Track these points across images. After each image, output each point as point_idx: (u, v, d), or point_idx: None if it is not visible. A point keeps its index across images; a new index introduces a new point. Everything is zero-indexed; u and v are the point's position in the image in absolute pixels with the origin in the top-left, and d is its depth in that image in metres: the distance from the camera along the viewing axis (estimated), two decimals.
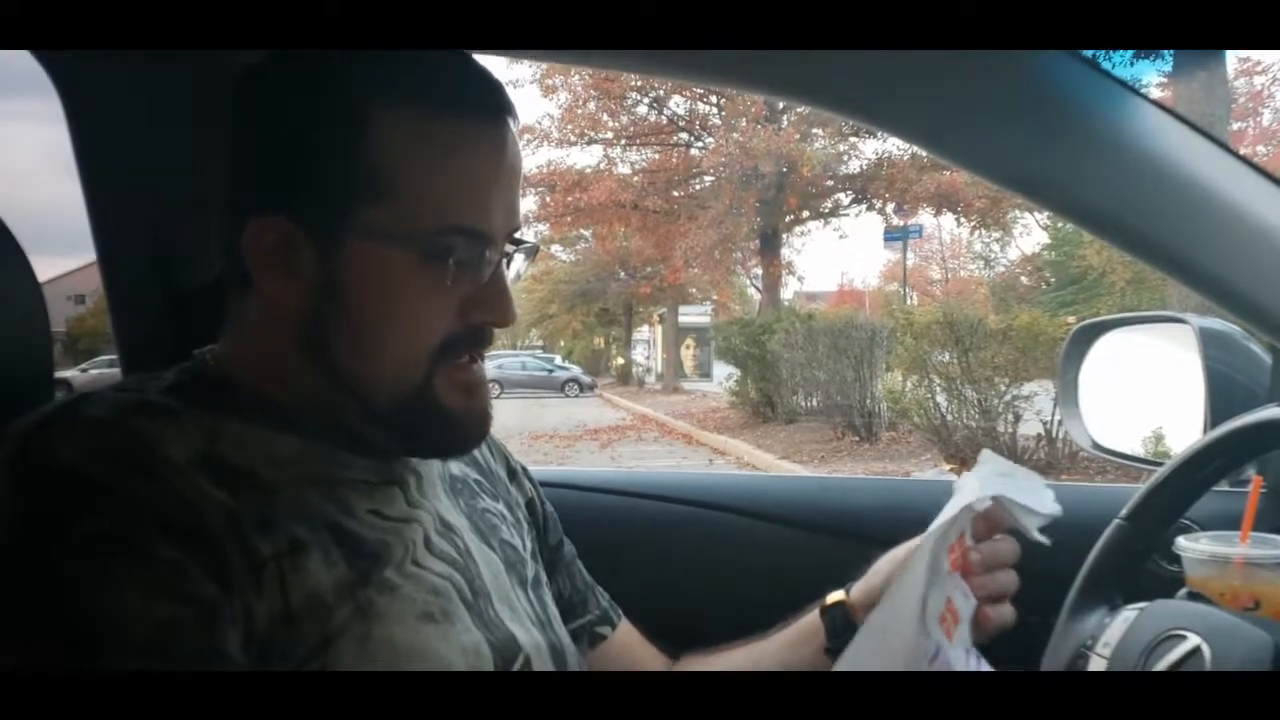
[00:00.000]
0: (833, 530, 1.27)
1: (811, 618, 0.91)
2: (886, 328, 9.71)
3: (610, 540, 1.12)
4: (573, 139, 17.38)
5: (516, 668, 0.73)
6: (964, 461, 7.02)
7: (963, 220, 17.50)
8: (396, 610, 0.67)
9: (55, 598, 0.57)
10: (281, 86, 0.71)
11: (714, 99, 17.20)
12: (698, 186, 17.57)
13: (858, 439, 9.48)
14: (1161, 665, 0.77)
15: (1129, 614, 0.86)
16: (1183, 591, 0.87)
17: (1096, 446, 1.36)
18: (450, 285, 0.69)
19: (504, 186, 0.72)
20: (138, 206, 1.09)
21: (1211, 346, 1.18)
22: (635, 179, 17.75)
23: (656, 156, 18.09)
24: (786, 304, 17.61)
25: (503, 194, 0.72)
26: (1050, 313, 12.46)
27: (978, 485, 0.75)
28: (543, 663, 0.76)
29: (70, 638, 0.56)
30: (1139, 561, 0.93)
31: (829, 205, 18.00)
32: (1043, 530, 0.78)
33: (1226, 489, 1.12)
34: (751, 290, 24.71)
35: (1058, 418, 6.50)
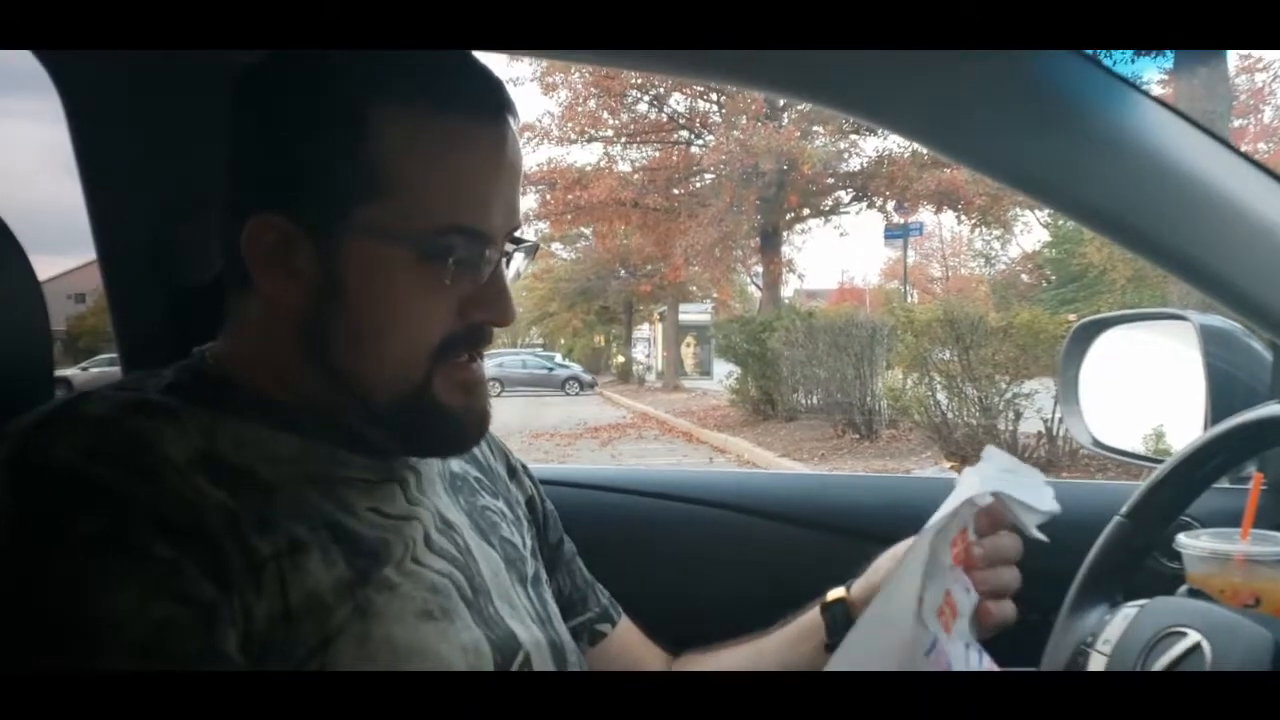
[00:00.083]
0: (833, 527, 1.27)
1: (812, 615, 0.91)
2: (887, 325, 9.71)
3: (610, 538, 1.12)
4: (573, 136, 17.37)
5: (516, 665, 0.73)
6: (964, 459, 7.02)
7: (963, 218, 17.49)
8: (396, 609, 0.67)
9: (53, 597, 0.57)
10: (281, 85, 0.70)
11: (714, 96, 17.19)
12: (698, 184, 17.56)
13: (858, 437, 9.48)
14: (1162, 662, 0.77)
15: (1129, 611, 0.86)
16: (1183, 588, 0.87)
17: (1097, 444, 1.36)
18: (450, 284, 0.69)
19: (504, 185, 0.71)
20: (137, 205, 1.09)
21: (1212, 343, 1.18)
22: (636, 177, 17.74)
23: (657, 154, 18.08)
24: (787, 302, 17.58)
25: (503, 193, 0.71)
26: (1051, 310, 12.46)
27: (979, 481, 0.75)
28: (542, 660, 0.76)
29: (68, 637, 0.56)
30: (1139, 559, 0.93)
31: (829, 203, 17.99)
32: (1041, 528, 0.78)
33: (1227, 486, 1.12)
34: (752, 288, 24.69)
35: (1058, 415, 6.50)
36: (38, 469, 0.60)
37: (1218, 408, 1.12)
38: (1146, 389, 1.43)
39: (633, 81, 16.77)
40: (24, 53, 0.91)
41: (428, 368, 0.71)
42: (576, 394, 22.75)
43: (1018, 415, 7.54)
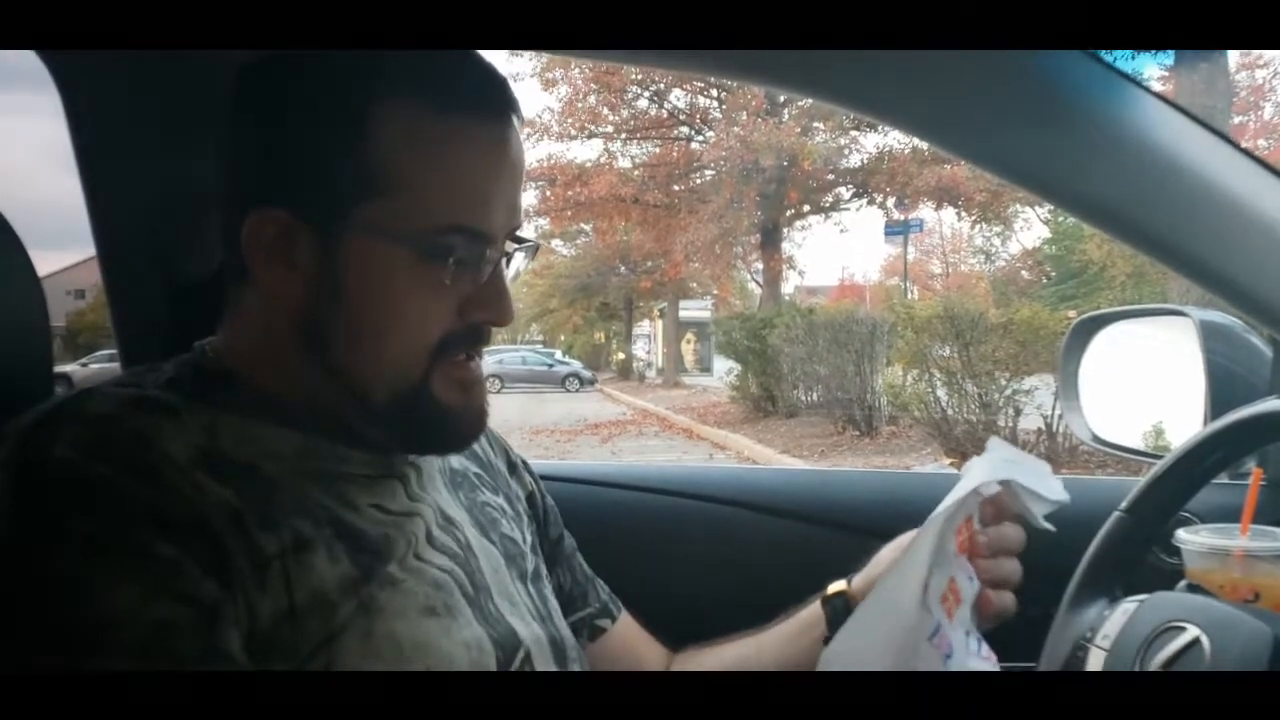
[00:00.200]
0: (833, 523, 1.27)
1: (812, 608, 0.91)
2: (887, 322, 9.70)
3: (610, 533, 1.12)
4: (573, 133, 17.35)
5: (517, 661, 0.73)
6: (964, 455, 7.02)
7: (964, 214, 17.49)
8: (399, 605, 0.67)
9: (54, 596, 0.57)
10: (286, 80, 0.70)
11: (715, 92, 17.18)
12: (698, 180, 17.55)
13: (858, 433, 9.48)
14: (1161, 657, 0.77)
15: (1129, 606, 0.86)
16: (1182, 584, 0.87)
17: (1097, 440, 1.36)
18: (449, 284, 0.69)
19: (505, 185, 0.71)
20: (137, 201, 1.09)
21: (1212, 339, 1.18)
22: (636, 173, 17.73)
23: (657, 150, 18.07)
24: (787, 298, 17.60)
25: (504, 193, 0.71)
26: (1051, 307, 12.46)
27: (987, 469, 0.76)
28: (543, 656, 0.76)
29: (68, 637, 0.56)
30: (1139, 554, 0.93)
31: (830, 199, 17.98)
32: (1048, 518, 0.79)
33: (1226, 482, 1.12)
34: (752, 285, 24.70)
35: (1058, 412, 6.50)
36: (38, 468, 0.60)
37: (1217, 403, 1.12)
38: (1146, 385, 1.43)
39: (633, 77, 16.76)
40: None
41: (426, 366, 0.71)
42: (577, 390, 22.76)
43: (1018, 411, 7.54)
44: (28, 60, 0.98)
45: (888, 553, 0.89)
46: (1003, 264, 30.96)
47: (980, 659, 0.76)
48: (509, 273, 0.75)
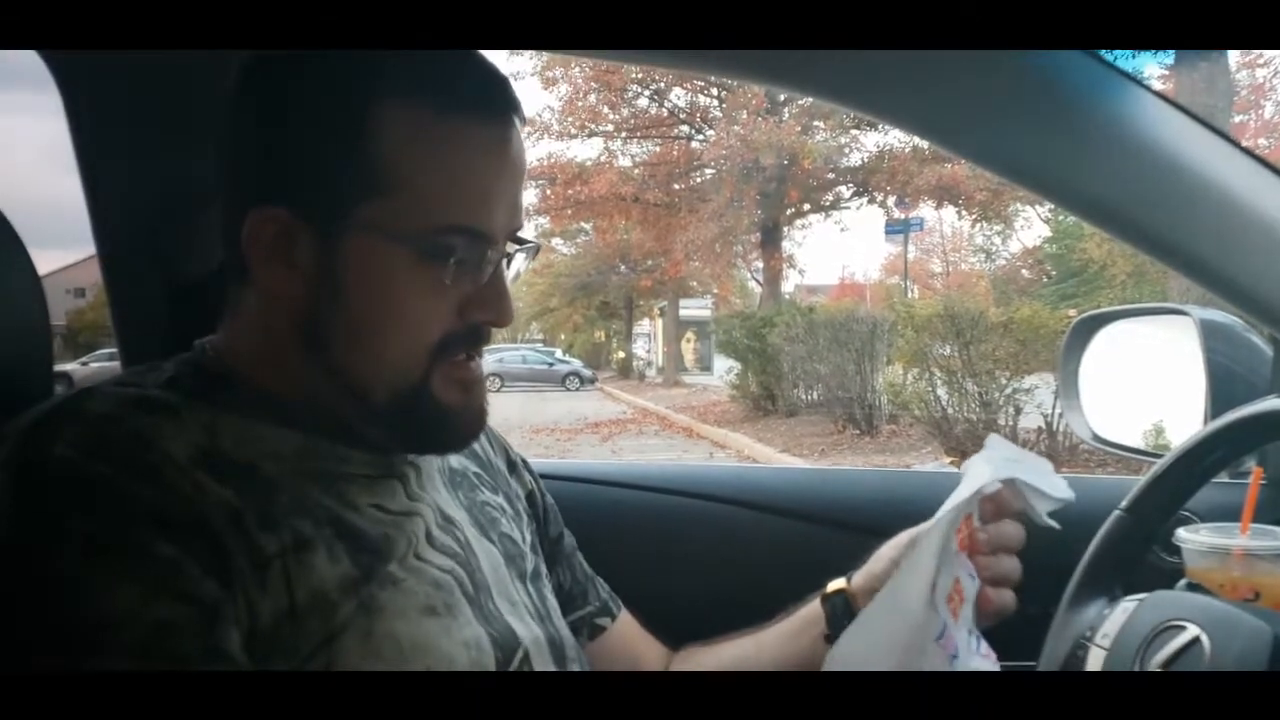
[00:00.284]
0: (833, 522, 1.27)
1: (812, 606, 0.91)
2: (887, 321, 9.70)
3: (610, 532, 1.12)
4: (573, 131, 17.35)
5: (516, 661, 0.73)
6: (964, 454, 7.02)
7: (964, 213, 17.49)
8: (400, 604, 0.67)
9: (54, 596, 0.57)
10: (287, 79, 0.70)
11: (715, 91, 17.17)
12: (698, 179, 17.55)
13: (858, 432, 9.48)
14: (1161, 656, 0.77)
15: (1128, 605, 0.86)
16: (1182, 583, 0.87)
17: (1097, 438, 1.36)
18: (450, 284, 0.69)
19: (507, 186, 0.71)
20: (137, 201, 1.09)
21: (1212, 338, 1.18)
22: (636, 172, 17.72)
23: (657, 149, 18.07)
24: (787, 297, 17.61)
25: (505, 194, 0.71)
26: (1051, 306, 12.44)
27: (989, 470, 0.76)
28: (542, 656, 0.76)
29: (68, 637, 0.56)
30: (1139, 553, 0.93)
31: (830, 198, 17.98)
32: (1052, 515, 0.79)
33: (1226, 481, 1.13)
34: (752, 284, 24.70)
35: (1058, 410, 6.50)
36: (38, 468, 0.60)
37: (1217, 402, 1.12)
38: (1146, 384, 1.43)
39: (633, 76, 16.76)
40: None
41: (426, 366, 0.70)
42: (577, 389, 22.77)
43: (1018, 410, 7.54)
44: (29, 60, 0.98)
45: (887, 550, 0.89)
46: (1003, 263, 30.96)
47: (980, 657, 0.76)
48: (509, 274, 0.75)
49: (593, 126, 17.51)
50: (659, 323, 25.86)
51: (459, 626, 0.70)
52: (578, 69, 16.68)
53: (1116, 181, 0.86)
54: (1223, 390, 1.14)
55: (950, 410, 7.93)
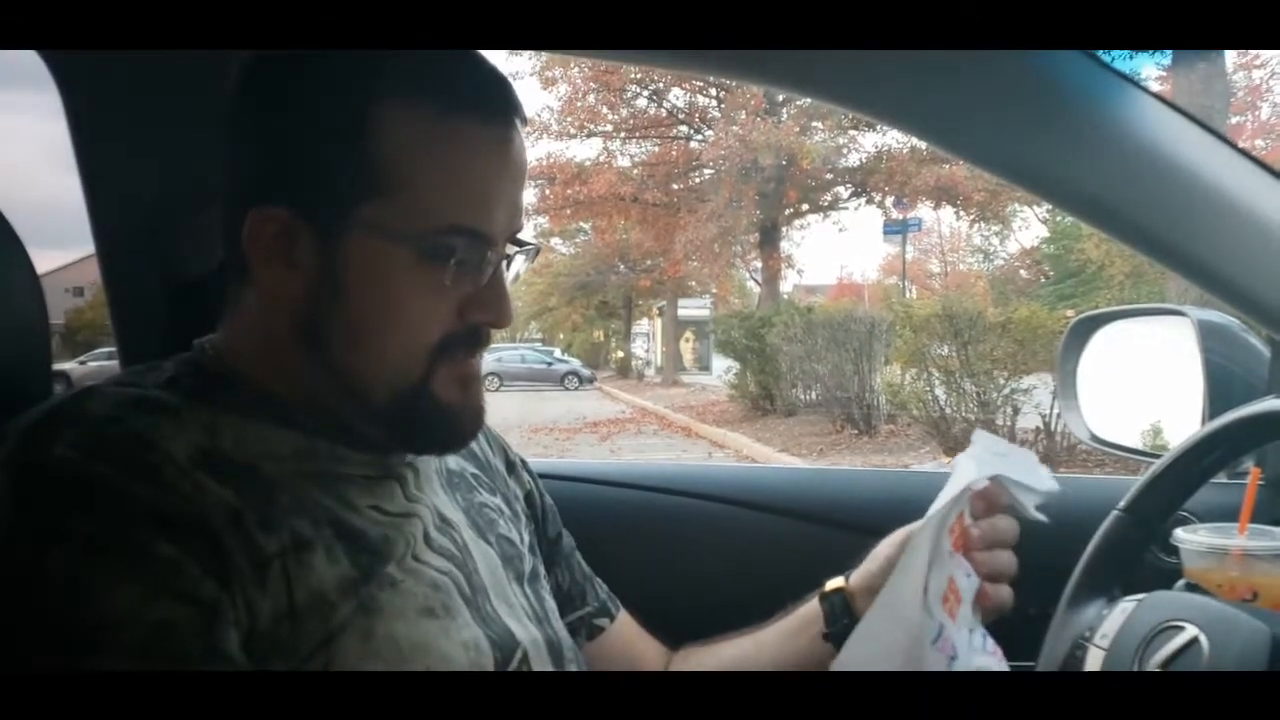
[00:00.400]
0: (831, 521, 1.27)
1: (810, 605, 0.91)
2: (885, 321, 9.70)
3: (609, 532, 1.13)
4: (572, 131, 17.34)
5: (514, 662, 0.73)
6: None
7: (962, 214, 17.48)
8: (398, 605, 0.67)
9: (54, 597, 0.57)
10: (288, 78, 0.70)
11: (714, 92, 17.17)
12: (697, 180, 17.54)
13: (857, 432, 9.48)
14: (1159, 656, 0.77)
15: (1127, 605, 0.86)
16: (1181, 583, 0.88)
17: (1095, 439, 1.36)
18: (449, 285, 0.69)
19: (507, 187, 0.71)
20: (136, 200, 1.09)
21: (1210, 339, 1.18)
22: (635, 172, 17.72)
23: (656, 149, 18.06)
24: (786, 297, 17.58)
25: (506, 195, 0.71)
26: (1049, 306, 12.45)
27: (975, 466, 0.76)
28: (540, 657, 0.76)
29: (68, 637, 0.56)
30: (1137, 553, 0.93)
31: (828, 198, 17.98)
32: (1040, 508, 0.79)
33: (1224, 481, 1.13)
34: (751, 284, 24.68)
35: (1056, 411, 6.51)
36: (38, 468, 0.60)
37: (1215, 403, 1.13)
38: (1144, 384, 1.43)
39: (632, 76, 16.75)
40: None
41: (426, 367, 0.70)
42: (575, 389, 22.76)
43: (1016, 410, 7.54)
44: (29, 60, 0.98)
45: (884, 548, 0.89)
46: (1001, 263, 30.98)
47: (986, 654, 0.76)
48: (509, 275, 0.75)
49: (592, 126, 17.50)
50: (658, 322, 25.87)
51: (457, 628, 0.70)
52: (577, 69, 16.67)
53: (1114, 182, 0.87)
54: (1220, 391, 1.14)
55: (948, 410, 7.94)
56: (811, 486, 1.43)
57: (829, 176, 17.22)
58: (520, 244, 0.75)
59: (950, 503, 0.74)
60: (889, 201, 17.57)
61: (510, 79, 0.73)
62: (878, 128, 14.88)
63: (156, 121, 1.06)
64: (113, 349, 1.14)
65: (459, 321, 0.71)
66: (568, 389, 22.70)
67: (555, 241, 24.00)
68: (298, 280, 0.69)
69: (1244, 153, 0.86)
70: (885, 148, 16.40)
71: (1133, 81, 0.85)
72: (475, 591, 0.74)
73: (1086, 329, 1.40)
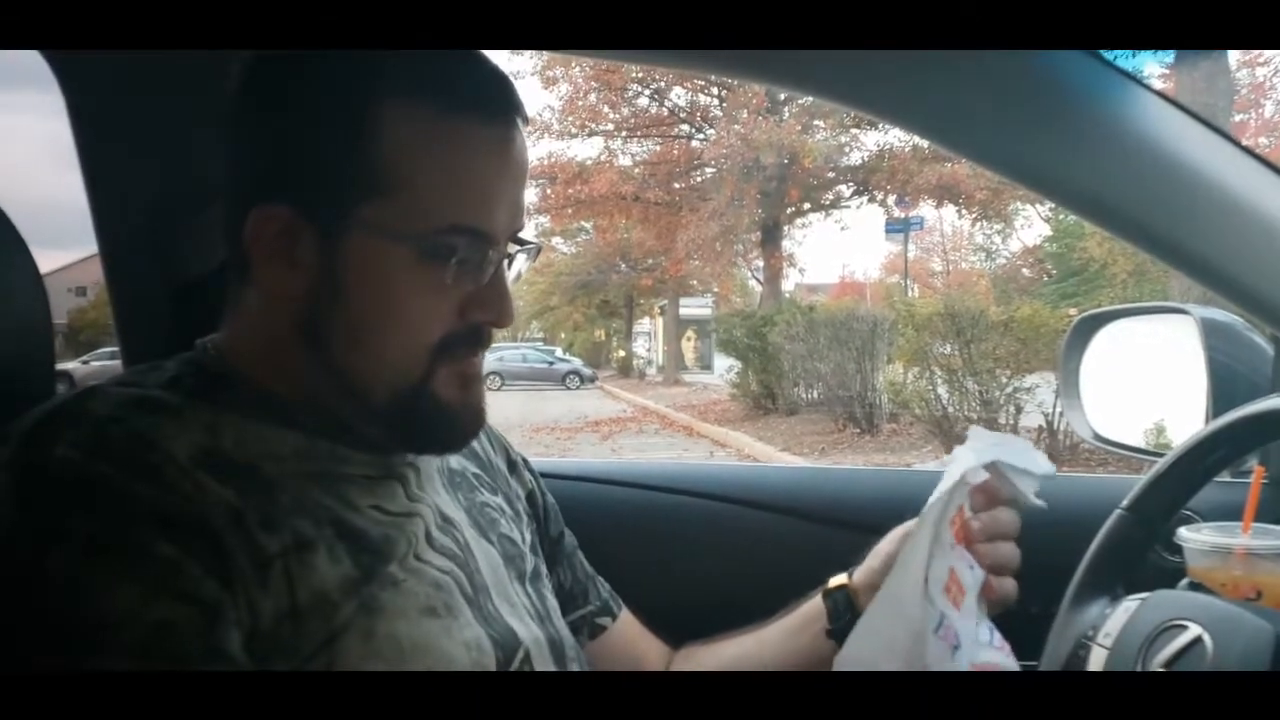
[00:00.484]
0: (833, 520, 1.27)
1: (814, 602, 0.91)
2: (888, 320, 9.70)
3: (611, 531, 1.13)
4: (573, 131, 17.35)
5: (517, 662, 0.73)
6: None
7: (964, 212, 17.48)
8: (400, 605, 0.67)
9: (55, 597, 0.57)
10: (290, 77, 0.70)
11: (715, 91, 17.17)
12: (699, 178, 17.55)
13: (859, 431, 9.48)
14: (1163, 655, 0.77)
15: (1130, 604, 0.86)
16: (1184, 582, 0.87)
17: (1098, 438, 1.36)
18: (451, 284, 0.69)
19: (509, 187, 0.71)
20: (139, 199, 1.09)
21: (1213, 337, 1.18)
22: (636, 171, 17.72)
23: (658, 148, 18.06)
24: (787, 296, 17.59)
25: (507, 194, 0.71)
26: (1052, 304, 12.45)
27: (971, 456, 0.76)
28: (542, 657, 0.76)
29: (68, 637, 0.56)
30: (1140, 552, 0.93)
31: (830, 197, 17.98)
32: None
33: (1228, 480, 1.12)
34: (753, 282, 24.70)
35: (1059, 409, 6.50)
36: (40, 469, 0.60)
37: (1219, 401, 1.12)
38: (1147, 383, 1.43)
39: (633, 75, 16.76)
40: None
41: (427, 366, 0.70)
42: (577, 388, 22.77)
43: (1019, 409, 7.54)
44: (31, 59, 0.98)
45: (886, 545, 0.89)
46: (1003, 262, 30.95)
47: (994, 649, 0.76)
48: (510, 274, 0.75)
49: (593, 126, 17.50)
50: (659, 321, 25.88)
51: (459, 627, 0.70)
52: (578, 68, 16.67)
53: (1117, 180, 0.86)
54: (1224, 389, 1.14)
55: (951, 409, 7.94)
56: (813, 485, 1.42)
57: (831, 175, 17.22)
58: (522, 243, 0.75)
59: (948, 493, 0.75)
60: (891, 200, 17.57)
61: (511, 78, 0.73)
62: (880, 126, 14.88)
63: (159, 121, 1.06)
64: (115, 348, 1.14)
65: (460, 321, 0.71)
66: (569, 388, 22.71)
67: (557, 241, 24.01)
68: (299, 279, 0.69)
69: (1247, 150, 0.86)
70: (887, 146, 16.42)
71: (1135, 79, 0.84)
72: (477, 591, 0.74)
73: (1089, 327, 1.40)
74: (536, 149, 17.06)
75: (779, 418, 11.13)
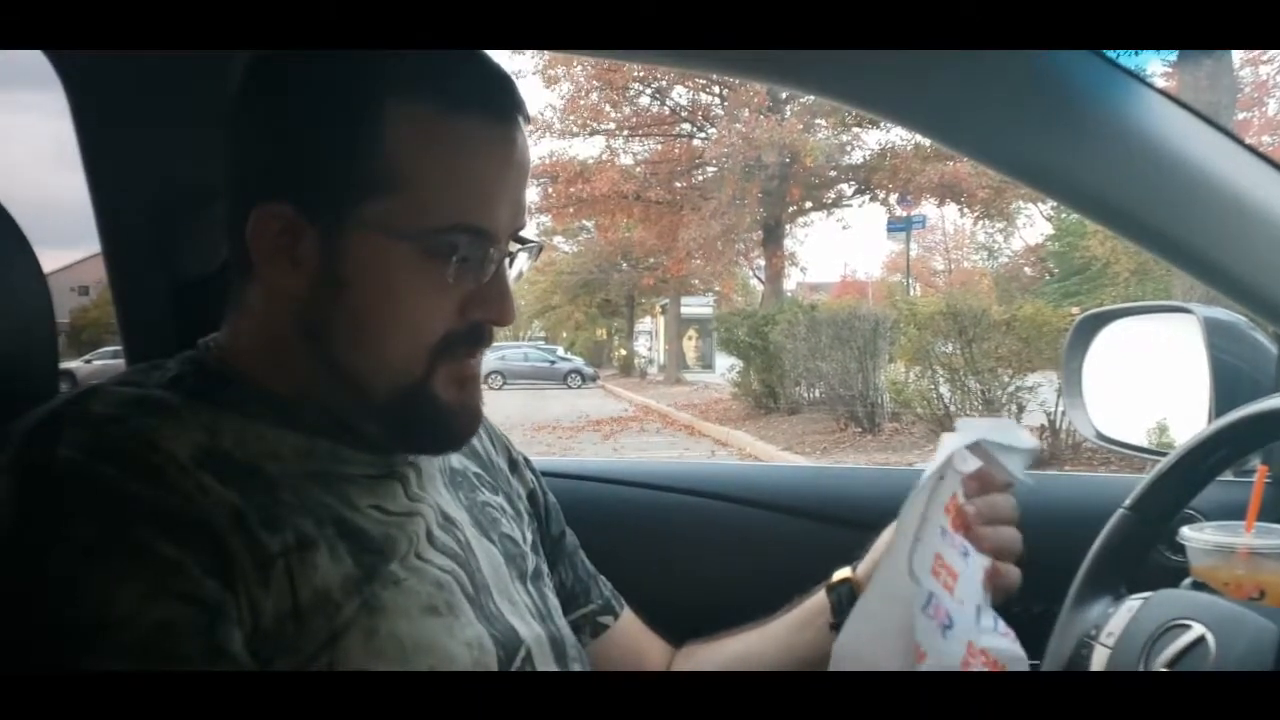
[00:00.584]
0: (835, 519, 1.27)
1: (817, 597, 0.91)
2: (889, 319, 9.70)
3: (613, 530, 1.12)
4: (575, 130, 17.35)
5: (518, 661, 0.73)
6: None
7: (966, 211, 17.48)
8: (402, 604, 0.67)
9: (56, 597, 0.57)
10: (292, 76, 0.70)
11: (717, 90, 17.17)
12: (700, 177, 17.55)
13: (860, 430, 9.48)
14: (1166, 655, 0.77)
15: (1133, 604, 0.86)
16: (1187, 581, 0.87)
17: (1101, 437, 1.36)
18: (452, 283, 0.69)
19: (511, 186, 0.71)
20: (141, 199, 1.09)
21: (1216, 336, 1.18)
22: (638, 170, 17.72)
23: (659, 147, 18.07)
24: (789, 295, 17.61)
25: (509, 193, 0.71)
26: (1054, 303, 12.44)
27: (956, 438, 0.77)
28: (543, 655, 0.76)
29: (70, 637, 0.56)
30: (1143, 551, 0.93)
31: (832, 196, 17.98)
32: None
33: (1231, 479, 1.12)
34: (754, 281, 24.68)
35: (1061, 409, 6.50)
36: (41, 469, 0.60)
37: (1222, 401, 1.12)
38: (1150, 382, 1.42)
39: (635, 74, 16.75)
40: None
41: (428, 365, 0.70)
42: (578, 387, 22.78)
43: (1021, 408, 7.54)
44: (34, 59, 0.98)
45: (887, 535, 0.89)
46: (1005, 260, 30.92)
47: (998, 635, 0.75)
48: (512, 273, 0.75)
49: (595, 125, 17.50)
50: (661, 320, 25.87)
51: (461, 626, 0.70)
52: (579, 67, 16.68)
53: (1120, 179, 0.86)
54: (1227, 388, 1.14)
55: (953, 408, 7.93)
56: (815, 484, 1.42)
57: (832, 174, 17.22)
58: (523, 242, 0.75)
59: (932, 477, 0.75)
60: (893, 199, 17.57)
61: (513, 77, 0.73)
62: (882, 125, 14.88)
63: (161, 120, 1.06)
64: (118, 347, 1.14)
65: (461, 319, 0.71)
66: (571, 387, 22.71)
67: (558, 239, 24.01)
68: (301, 277, 0.69)
69: (1250, 148, 0.86)
70: (889, 145, 16.42)
71: (1138, 77, 0.84)
72: (478, 590, 0.74)
73: (1092, 326, 1.40)
74: (538, 148, 17.08)
75: (781, 417, 11.13)
